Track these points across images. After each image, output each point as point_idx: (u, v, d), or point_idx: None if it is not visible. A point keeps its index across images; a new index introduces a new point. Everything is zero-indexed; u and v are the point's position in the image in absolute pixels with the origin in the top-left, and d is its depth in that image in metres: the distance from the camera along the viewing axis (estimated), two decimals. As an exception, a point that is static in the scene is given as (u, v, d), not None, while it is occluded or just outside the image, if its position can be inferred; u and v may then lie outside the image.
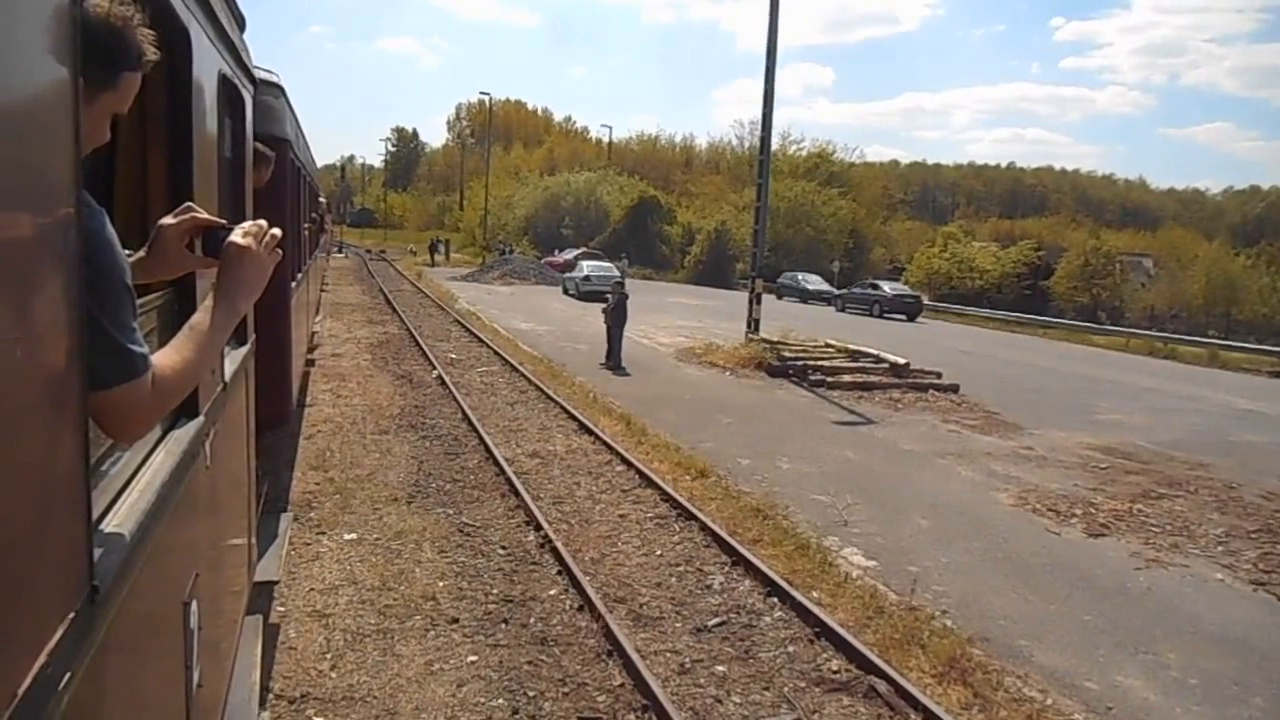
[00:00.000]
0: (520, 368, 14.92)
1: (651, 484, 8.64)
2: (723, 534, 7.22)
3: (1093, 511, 8.69)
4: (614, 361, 15.74)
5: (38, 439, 0.97)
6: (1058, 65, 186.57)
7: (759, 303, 17.50)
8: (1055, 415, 13.90)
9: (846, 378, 15.01)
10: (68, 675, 0.99)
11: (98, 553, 1.16)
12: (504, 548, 6.94)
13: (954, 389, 15.10)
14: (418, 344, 17.41)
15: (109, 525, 1.34)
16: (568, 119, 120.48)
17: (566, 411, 11.73)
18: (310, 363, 12.02)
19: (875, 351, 16.24)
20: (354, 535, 6.99)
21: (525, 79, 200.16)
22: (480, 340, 18.48)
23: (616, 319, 15.62)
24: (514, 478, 8.56)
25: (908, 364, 15.37)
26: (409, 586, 6.08)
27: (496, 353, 16.69)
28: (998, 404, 14.38)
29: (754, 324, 17.44)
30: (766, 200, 17.77)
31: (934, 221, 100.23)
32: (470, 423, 10.88)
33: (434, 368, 14.57)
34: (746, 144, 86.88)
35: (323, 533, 7.03)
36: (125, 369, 1.28)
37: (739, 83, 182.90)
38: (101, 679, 1.19)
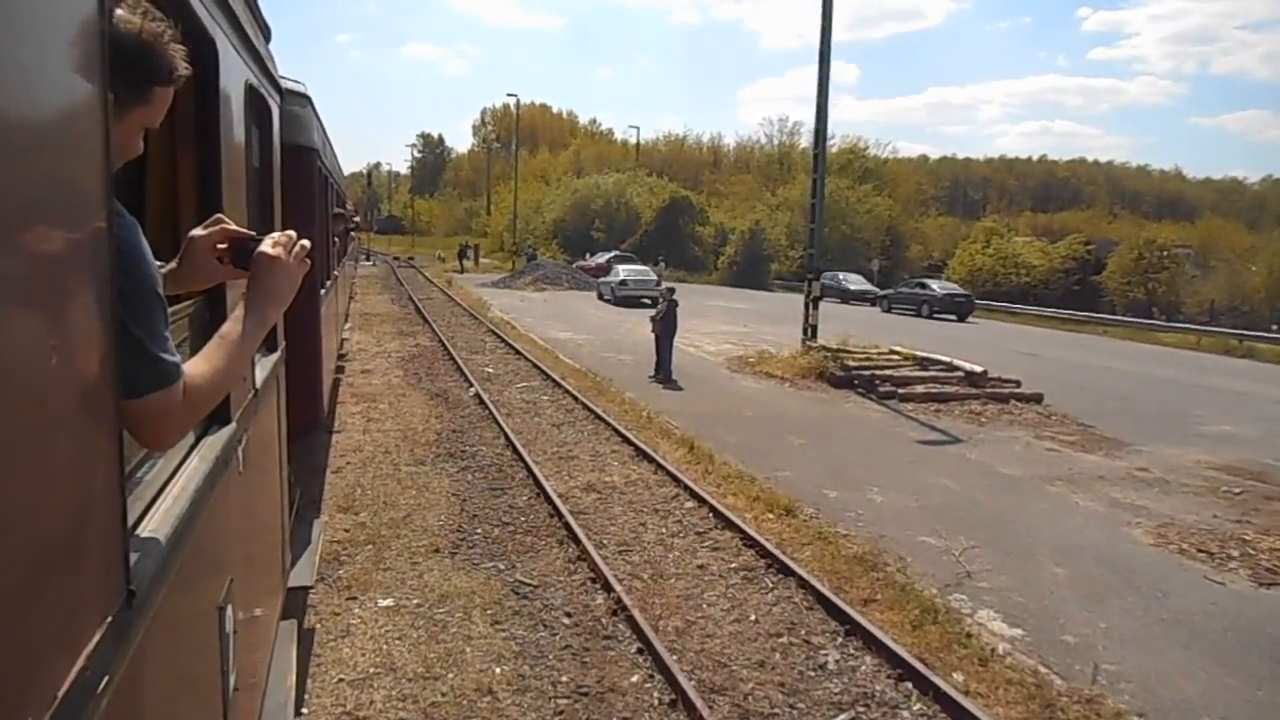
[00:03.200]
0: (563, 382, 13.80)
1: (730, 524, 7.47)
2: (826, 592, 6.04)
3: (1251, 552, 7.38)
4: (664, 374, 14.56)
5: (74, 446, 0.98)
6: (1085, 56, 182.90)
7: (816, 307, 16.25)
8: (1156, 427, 12.53)
9: (919, 389, 13.71)
10: (106, 678, 1.00)
11: (134, 557, 1.18)
12: (569, 615, 5.79)
13: (1037, 399, 13.75)
14: (451, 357, 16.37)
15: (145, 530, 1.35)
16: (593, 121, 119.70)
17: (620, 434, 10.58)
18: (340, 369, 11.27)
19: (947, 359, 14.92)
20: (390, 601, 5.88)
21: (550, 82, 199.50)
22: (517, 352, 17.40)
23: (666, 328, 14.42)
24: (571, 519, 7.42)
25: (985, 372, 14.04)
26: (459, 674, 4.95)
27: (535, 365, 15.59)
28: (1088, 415, 13.02)
29: (811, 330, 16.19)
30: (822, 196, 16.51)
31: (966, 217, 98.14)
32: (515, 449, 9.77)
33: (470, 384, 13.49)
34: (776, 142, 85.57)
35: (354, 598, 5.92)
36: (157, 377, 1.28)
37: (763, 82, 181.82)
38: (139, 682, 1.20)
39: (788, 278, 51.92)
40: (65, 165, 0.95)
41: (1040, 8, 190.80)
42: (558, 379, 14.12)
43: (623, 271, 31.49)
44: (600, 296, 32.45)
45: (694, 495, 8.28)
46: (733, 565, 6.75)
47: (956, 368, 14.54)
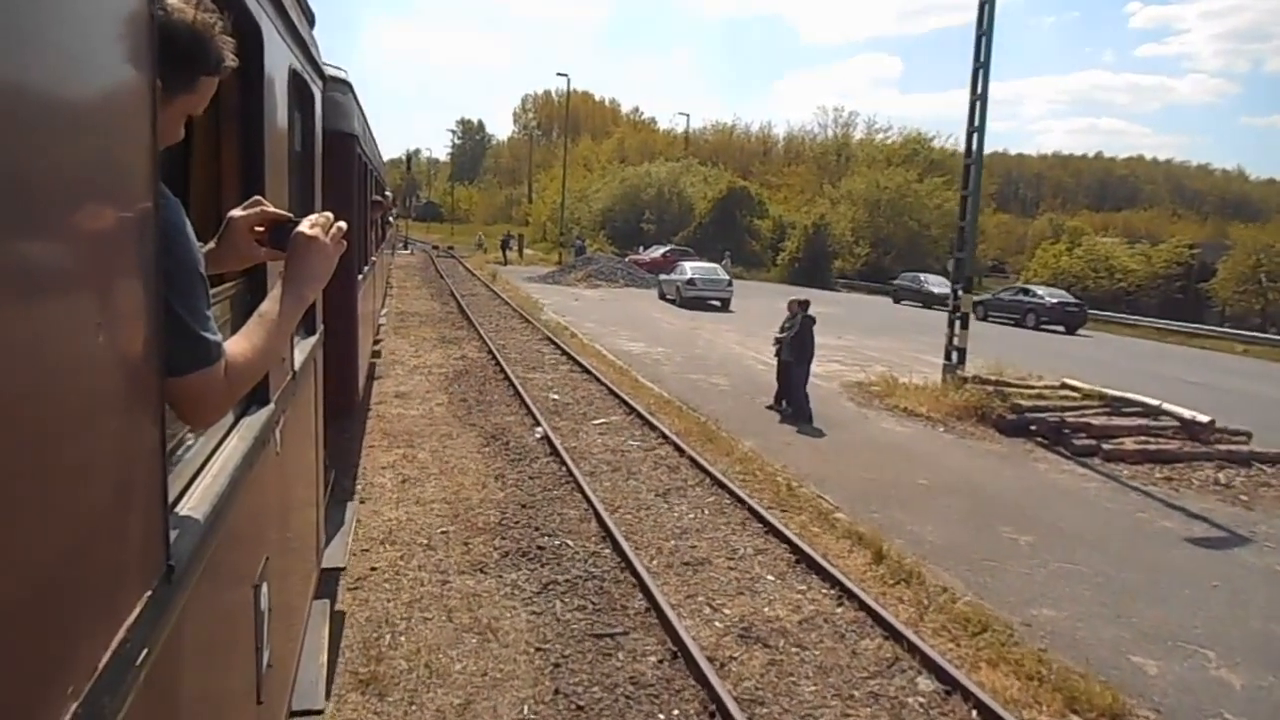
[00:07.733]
0: (653, 419, 10.62)
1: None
2: None
3: None
4: (790, 409, 11.27)
5: (119, 424, 0.98)
6: (1133, 53, 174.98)
7: (965, 326, 12.89)
8: None
9: (1129, 443, 10.31)
10: (145, 651, 0.99)
11: (173, 534, 1.17)
12: None
13: (1284, 460, 10.30)
14: (505, 375, 13.26)
15: (184, 508, 1.35)
16: (636, 110, 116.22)
17: (759, 516, 7.39)
18: (376, 354, 10.52)
19: (1149, 400, 11.42)
20: None
21: (589, 71, 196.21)
22: (583, 368, 14.26)
23: (798, 353, 11.07)
24: (747, 727, 4.24)
25: (1212, 421, 10.58)
26: None
27: (611, 391, 12.41)
28: (1368, 488, 9.55)
29: (959, 355, 12.83)
30: (978, 188, 13.13)
31: (1021, 214, 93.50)
32: (615, 543, 6.65)
33: (535, 421, 10.36)
34: (831, 133, 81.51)
35: None
36: (200, 356, 1.27)
37: (801, 76, 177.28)
38: (177, 656, 1.20)
39: (851, 276, 48.34)
40: (113, 148, 0.95)
41: (1087, 3, 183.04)
42: (644, 413, 10.94)
43: (690, 269, 27.93)
44: (662, 296, 29.10)
45: (925, 660, 5.06)
46: None
47: (1164, 412, 11.09)
